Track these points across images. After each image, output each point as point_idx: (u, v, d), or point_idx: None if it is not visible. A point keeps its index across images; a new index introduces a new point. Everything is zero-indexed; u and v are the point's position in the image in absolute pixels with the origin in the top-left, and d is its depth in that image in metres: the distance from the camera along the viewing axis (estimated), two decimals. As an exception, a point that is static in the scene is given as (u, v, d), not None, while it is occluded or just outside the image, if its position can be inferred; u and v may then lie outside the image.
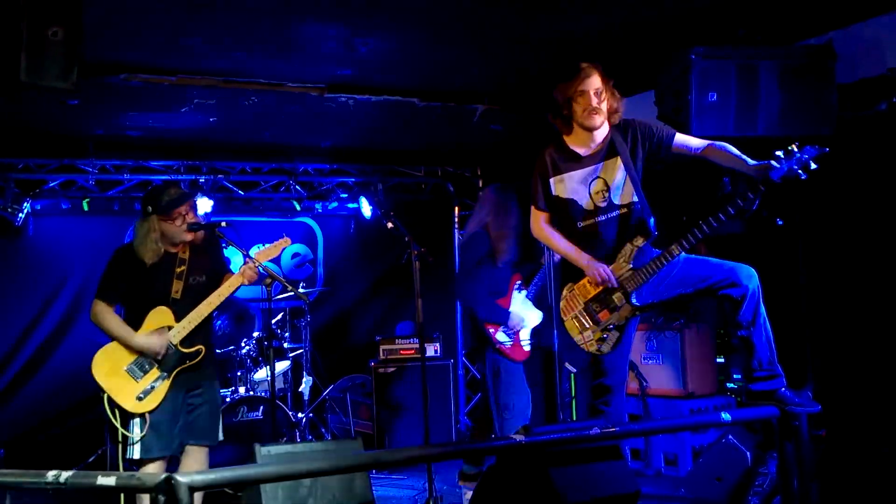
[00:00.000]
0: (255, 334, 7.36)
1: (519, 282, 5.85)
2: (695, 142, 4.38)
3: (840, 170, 5.60)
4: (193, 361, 4.77)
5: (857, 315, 5.56)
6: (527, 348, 5.77)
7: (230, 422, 6.50)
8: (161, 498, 2.75)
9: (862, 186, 5.53)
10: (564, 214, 4.43)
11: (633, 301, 4.31)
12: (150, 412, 4.60)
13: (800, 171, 4.01)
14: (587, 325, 4.40)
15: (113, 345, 4.67)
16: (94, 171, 7.95)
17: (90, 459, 6.98)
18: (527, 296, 5.82)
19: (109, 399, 4.55)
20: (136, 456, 4.59)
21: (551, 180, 4.41)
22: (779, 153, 4.04)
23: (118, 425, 4.57)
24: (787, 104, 5.17)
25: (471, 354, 5.46)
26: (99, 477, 2.91)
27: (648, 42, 5.73)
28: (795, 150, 4.00)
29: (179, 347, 4.70)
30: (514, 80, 6.67)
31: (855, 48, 5.33)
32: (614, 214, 4.36)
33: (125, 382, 4.60)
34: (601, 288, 4.35)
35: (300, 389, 7.63)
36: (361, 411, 8.30)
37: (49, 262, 8.19)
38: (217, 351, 7.26)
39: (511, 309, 5.72)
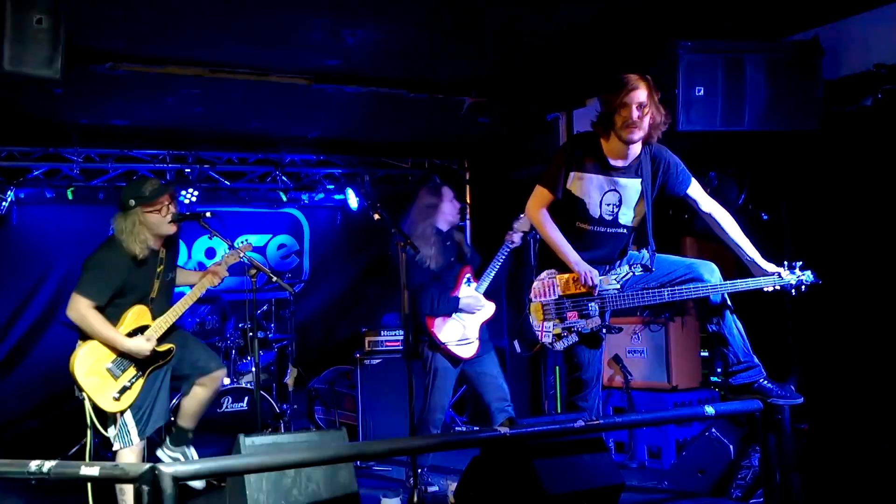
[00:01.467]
0: (240, 325, 7.35)
1: (468, 274, 5.84)
2: (704, 202, 4.43)
3: (825, 165, 5.65)
4: (165, 360, 4.79)
5: (840, 310, 5.59)
6: (473, 348, 5.74)
7: (214, 412, 6.49)
8: (145, 488, 2.75)
9: (846, 181, 5.56)
10: (568, 210, 4.37)
11: (606, 319, 4.30)
12: (129, 406, 4.63)
13: (792, 291, 4.29)
14: (551, 317, 4.33)
15: (93, 343, 4.62)
16: (79, 160, 7.90)
17: (73, 450, 6.95)
18: (476, 289, 5.78)
19: (89, 399, 4.57)
20: (135, 441, 4.64)
21: (571, 174, 4.31)
22: (782, 271, 4.28)
23: (99, 426, 4.60)
24: (773, 99, 5.19)
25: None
26: (82, 467, 2.90)
27: (635, 35, 5.74)
28: (799, 271, 4.30)
29: (154, 347, 4.71)
30: (502, 72, 6.67)
31: (841, 44, 5.36)
32: (614, 231, 4.36)
33: (104, 381, 4.60)
34: (583, 290, 4.30)
35: (285, 380, 7.62)
36: (346, 403, 8.29)
37: (33, 252, 8.14)
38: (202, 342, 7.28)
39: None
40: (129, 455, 4.63)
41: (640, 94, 4.12)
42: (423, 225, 5.73)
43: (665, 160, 4.35)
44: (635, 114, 4.11)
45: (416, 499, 5.04)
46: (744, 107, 5.08)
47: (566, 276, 4.35)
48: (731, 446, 5.67)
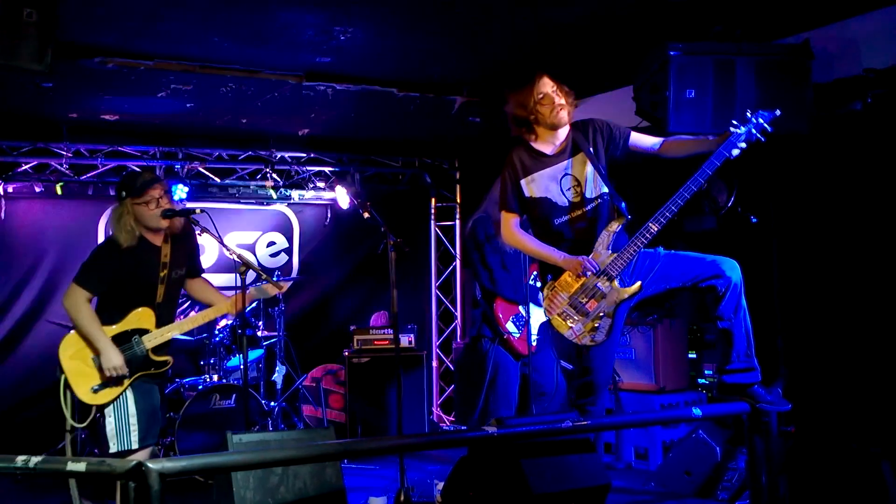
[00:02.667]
0: (229, 322, 7.33)
1: (535, 273, 5.85)
2: (650, 139, 4.46)
3: (814, 168, 5.67)
4: (158, 371, 4.72)
5: (828, 313, 5.61)
6: (533, 342, 5.76)
7: (202, 409, 6.48)
8: (131, 484, 2.74)
9: (836, 185, 5.58)
10: (539, 213, 4.44)
11: (619, 284, 4.28)
12: (106, 404, 4.55)
13: (759, 136, 4.19)
14: (576, 318, 4.32)
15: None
16: (69, 155, 7.86)
17: (60, 445, 6.92)
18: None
19: (66, 382, 4.51)
20: (135, 445, 4.52)
21: (522, 182, 4.44)
22: (734, 122, 4.20)
23: (66, 412, 4.53)
24: (763, 102, 5.18)
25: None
26: (69, 463, 2.89)
27: (626, 37, 5.75)
28: (749, 114, 4.21)
29: (151, 354, 4.64)
30: (493, 72, 6.67)
31: (831, 48, 5.38)
32: (589, 208, 4.38)
33: (87, 370, 4.54)
34: (583, 279, 4.31)
35: (273, 378, 7.61)
36: (334, 401, 8.30)
37: (21, 247, 8.10)
38: (190, 339, 7.27)
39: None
40: (141, 453, 4.53)
41: (548, 81, 4.38)
42: None
43: (593, 125, 4.47)
44: (556, 98, 4.33)
45: (403, 498, 5.04)
46: (734, 109, 5.09)
47: (561, 277, 4.37)
48: (717, 448, 5.70)
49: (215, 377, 6.97)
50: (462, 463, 4.33)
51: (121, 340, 4.57)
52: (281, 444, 4.34)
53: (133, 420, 4.56)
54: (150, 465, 2.75)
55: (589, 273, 4.26)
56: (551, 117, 4.35)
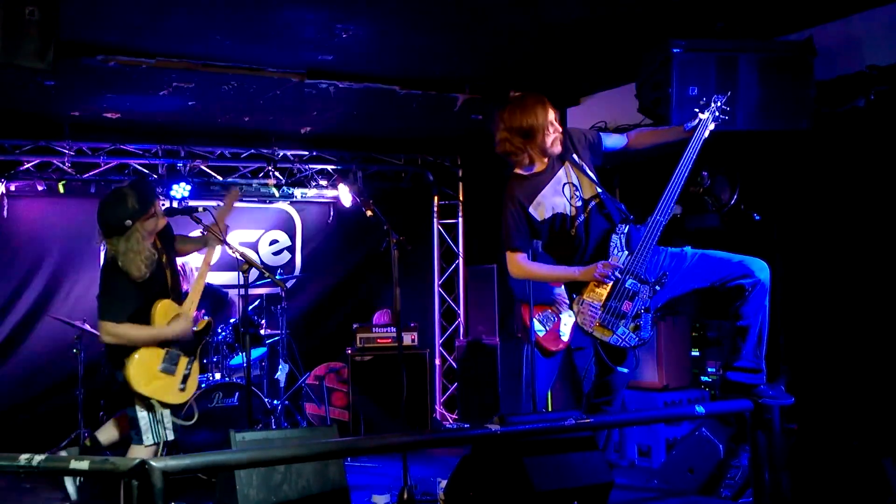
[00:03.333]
0: (232, 321, 7.33)
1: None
2: (617, 137, 4.51)
3: (817, 165, 5.66)
4: (207, 334, 4.90)
5: (831, 310, 5.61)
6: (565, 339, 5.81)
7: (205, 408, 6.48)
8: (134, 483, 2.74)
9: (838, 182, 5.57)
10: (554, 230, 4.40)
11: (649, 277, 4.25)
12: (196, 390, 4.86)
13: (724, 117, 4.41)
14: (617, 323, 4.26)
15: (135, 359, 4.55)
16: (71, 153, 7.87)
17: (63, 444, 6.93)
18: None
19: (159, 405, 4.60)
20: (170, 436, 4.68)
21: (530, 210, 4.37)
22: (697, 109, 4.43)
23: (167, 427, 4.65)
24: (765, 98, 5.20)
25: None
26: (72, 461, 2.89)
27: (629, 34, 5.74)
28: (705, 100, 4.47)
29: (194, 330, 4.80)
30: (495, 69, 6.67)
31: (833, 45, 5.37)
32: (591, 207, 4.38)
33: (166, 382, 4.64)
34: (609, 285, 4.26)
35: (276, 376, 7.61)
36: (337, 399, 8.29)
37: (24, 245, 8.10)
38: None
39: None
40: (145, 452, 4.59)
41: (550, 108, 4.41)
42: None
43: (569, 135, 4.48)
44: (557, 127, 4.37)
45: (406, 496, 5.04)
46: (737, 106, 5.08)
47: (587, 288, 4.33)
48: (720, 446, 5.68)
49: (218, 375, 6.98)
50: (465, 461, 4.33)
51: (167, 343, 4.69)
52: (284, 443, 4.34)
53: (167, 412, 4.65)
54: (153, 463, 2.75)
55: (613, 277, 4.22)
56: (552, 144, 4.34)
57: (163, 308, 4.68)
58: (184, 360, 4.70)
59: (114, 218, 4.48)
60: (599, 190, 4.36)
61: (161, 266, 4.73)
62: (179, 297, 4.81)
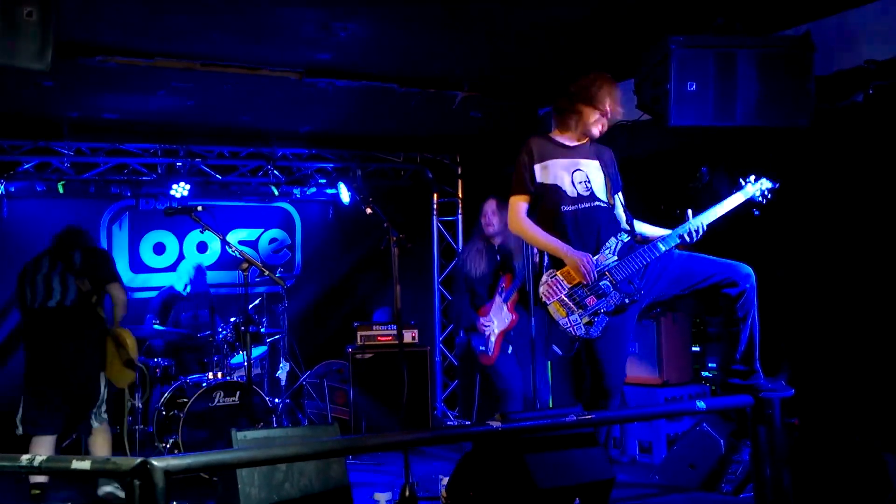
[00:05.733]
0: (232, 319, 7.34)
1: (504, 284, 6.12)
2: (622, 208, 4.54)
3: (816, 161, 5.66)
4: None
5: (831, 306, 5.61)
6: (490, 354, 6.17)
7: (206, 407, 6.49)
8: (136, 482, 2.74)
9: (837, 177, 5.57)
10: (548, 200, 4.43)
11: (623, 288, 4.28)
12: None
13: (763, 201, 4.68)
14: (574, 309, 4.31)
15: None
16: (70, 154, 7.87)
17: (64, 444, 6.93)
18: (503, 299, 5.99)
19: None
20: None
21: (536, 166, 4.44)
22: (682, 233, 4.40)
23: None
24: (764, 94, 5.19)
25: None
26: (73, 461, 2.90)
27: (627, 30, 5.74)
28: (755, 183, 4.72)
29: None
30: (494, 67, 6.66)
31: (832, 40, 5.36)
32: (597, 205, 4.40)
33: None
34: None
35: (277, 375, 7.61)
36: (338, 397, 8.30)
37: (23, 246, 8.04)
38: (198, 335, 7.30)
39: (490, 314, 6.13)
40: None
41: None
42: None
43: (612, 155, 4.58)
44: (606, 126, 4.46)
45: (408, 493, 5.04)
46: (735, 102, 5.09)
47: (565, 268, 4.35)
48: (721, 441, 5.70)
49: (219, 374, 6.98)
50: (466, 458, 4.33)
51: None
52: (285, 441, 4.34)
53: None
54: (154, 462, 2.75)
55: (593, 276, 4.26)
56: (592, 125, 4.47)
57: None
58: None
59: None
60: (615, 201, 4.43)
61: None
62: None
